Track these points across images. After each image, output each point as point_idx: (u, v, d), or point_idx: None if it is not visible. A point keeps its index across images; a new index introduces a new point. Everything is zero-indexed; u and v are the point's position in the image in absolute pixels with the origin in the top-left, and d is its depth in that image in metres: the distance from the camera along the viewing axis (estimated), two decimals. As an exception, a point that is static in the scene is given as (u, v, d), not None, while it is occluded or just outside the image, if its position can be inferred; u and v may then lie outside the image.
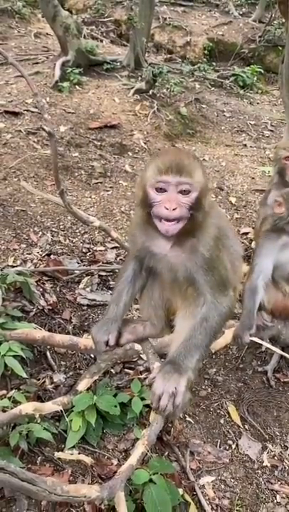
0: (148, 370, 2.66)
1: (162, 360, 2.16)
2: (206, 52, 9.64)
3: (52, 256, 3.50)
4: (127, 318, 2.18)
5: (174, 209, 1.65)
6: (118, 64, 7.25)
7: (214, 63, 9.00)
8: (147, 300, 2.11)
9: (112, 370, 2.82)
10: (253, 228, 4.01)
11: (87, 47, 7.21)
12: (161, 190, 1.69)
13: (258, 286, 2.58)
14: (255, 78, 8.23)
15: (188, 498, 2.30)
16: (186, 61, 8.79)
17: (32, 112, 5.36)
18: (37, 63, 7.00)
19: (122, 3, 10.31)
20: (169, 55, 9.52)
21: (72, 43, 6.86)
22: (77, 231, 3.86)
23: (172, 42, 10.11)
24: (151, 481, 2.17)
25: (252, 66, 8.41)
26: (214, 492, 2.37)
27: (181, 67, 7.74)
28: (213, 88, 7.64)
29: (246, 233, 4.11)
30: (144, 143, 5.52)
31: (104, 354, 2.26)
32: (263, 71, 8.48)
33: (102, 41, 9.50)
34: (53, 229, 3.80)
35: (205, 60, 9.20)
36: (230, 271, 1.91)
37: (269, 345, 2.62)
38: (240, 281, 2.25)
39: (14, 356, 2.48)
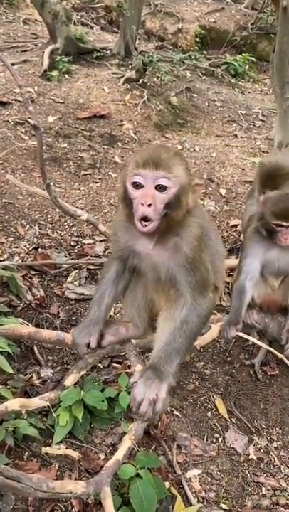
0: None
1: (148, 356, 2.16)
2: (197, 39, 9.52)
3: (39, 249, 3.47)
4: (109, 319, 2.17)
5: (148, 205, 1.61)
6: (108, 52, 7.14)
7: (206, 51, 8.90)
8: (130, 301, 2.10)
9: (99, 365, 2.83)
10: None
11: (76, 34, 7.08)
12: (138, 186, 1.66)
13: (245, 287, 2.59)
14: (247, 67, 8.15)
15: (174, 491, 2.32)
16: (177, 49, 8.68)
17: (20, 101, 5.27)
18: (25, 51, 6.88)
19: (112, -11, 10.12)
20: (160, 43, 9.39)
21: (61, 30, 6.73)
22: (65, 224, 3.83)
23: (163, 29, 9.96)
24: (137, 475, 2.19)
25: (244, 54, 8.33)
26: (200, 485, 2.39)
27: (172, 55, 7.63)
28: (204, 77, 7.56)
29: (236, 225, 4.10)
30: (134, 133, 5.46)
31: (86, 356, 2.26)
32: (254, 59, 8.38)
33: (92, 28, 9.34)
34: (41, 222, 3.77)
35: (197, 47, 9.09)
36: (211, 271, 1.89)
37: (255, 340, 2.63)
38: (223, 281, 2.24)
39: (1, 352, 2.47)
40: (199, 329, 1.90)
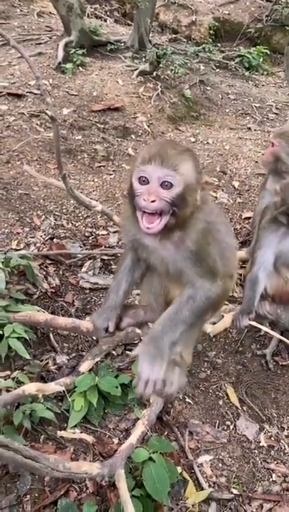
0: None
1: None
2: (211, 32, 9.47)
3: (55, 240, 3.53)
4: (127, 304, 2.21)
5: (152, 201, 1.58)
6: (122, 45, 7.14)
7: (220, 44, 8.84)
8: (147, 287, 2.14)
9: (113, 352, 2.88)
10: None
11: (90, 27, 7.09)
12: (143, 181, 1.62)
13: (258, 277, 2.63)
14: (261, 59, 8.08)
15: (186, 475, 2.38)
16: (191, 41, 8.64)
17: (35, 94, 5.32)
18: (40, 44, 6.91)
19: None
20: (174, 35, 9.35)
21: (76, 22, 6.75)
22: (79, 215, 3.88)
23: (177, 21, 9.92)
24: (150, 459, 2.25)
25: (258, 47, 8.26)
26: (212, 470, 2.44)
27: (185, 47, 7.61)
28: (218, 70, 7.53)
29: (248, 218, 4.11)
30: (148, 126, 5.48)
31: (103, 340, 2.31)
32: (269, 52, 8.31)
33: (106, 20, 9.34)
34: (56, 213, 3.83)
35: (210, 40, 9.04)
36: (220, 262, 1.86)
37: (268, 330, 2.67)
38: (236, 271, 2.25)
39: (18, 338, 2.54)
40: (206, 309, 1.89)
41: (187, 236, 1.74)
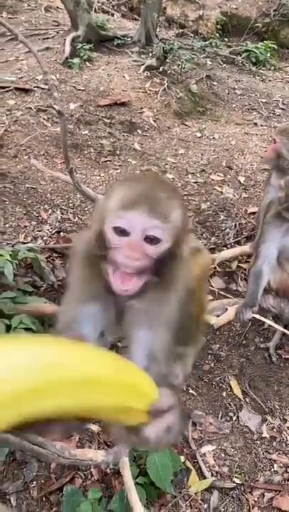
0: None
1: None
2: (218, 26, 9.43)
3: (61, 233, 3.58)
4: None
5: (135, 259, 1.17)
6: (129, 39, 7.15)
7: (227, 39, 8.81)
8: None
9: (118, 344, 2.92)
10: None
11: (97, 22, 7.11)
12: (122, 232, 1.18)
13: (262, 271, 2.67)
14: (268, 54, 8.06)
15: (189, 465, 2.43)
16: (198, 36, 8.64)
17: (42, 88, 5.36)
18: (47, 38, 6.94)
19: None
20: (181, 30, 9.34)
21: (83, 17, 6.77)
22: (86, 209, 3.92)
23: (184, 16, 9.89)
24: (154, 448, 2.29)
25: (265, 42, 8.23)
26: (214, 460, 2.49)
27: (192, 42, 7.61)
28: (224, 65, 7.52)
29: (254, 213, 4.13)
30: (154, 121, 5.51)
31: None
32: (276, 47, 8.28)
33: (113, 15, 9.34)
34: (63, 207, 3.87)
35: (217, 35, 9.01)
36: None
37: (271, 323, 2.71)
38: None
39: (25, 329, 2.59)
40: None
41: (165, 296, 1.34)
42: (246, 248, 3.53)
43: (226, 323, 2.78)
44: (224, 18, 9.59)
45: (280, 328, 2.72)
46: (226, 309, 2.69)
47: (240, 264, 3.60)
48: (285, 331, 2.70)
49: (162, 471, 2.26)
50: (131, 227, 1.18)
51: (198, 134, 5.56)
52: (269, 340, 3.07)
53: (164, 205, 1.21)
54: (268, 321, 2.70)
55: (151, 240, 1.19)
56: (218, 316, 2.65)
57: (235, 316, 2.67)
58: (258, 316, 2.69)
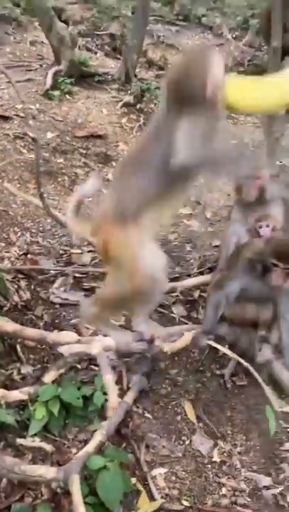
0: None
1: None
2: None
3: (29, 255, 3.65)
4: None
5: None
6: (109, 77, 7.49)
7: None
8: None
9: (78, 366, 2.97)
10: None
11: (80, 58, 7.43)
12: None
13: (220, 301, 2.81)
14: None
15: (140, 486, 2.46)
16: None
17: (21, 117, 5.53)
18: (30, 70, 7.20)
19: (118, 18, 10.59)
20: (160, 72, 9.81)
21: (66, 53, 7.07)
22: (55, 234, 4.02)
23: (164, 59, 10.38)
24: (105, 467, 2.32)
25: (239, 88, 8.71)
26: (165, 483, 2.52)
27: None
28: (199, 106, 7.91)
29: (217, 246, 4.31)
30: (128, 154, 5.73)
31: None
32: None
33: (96, 53, 9.73)
34: (33, 230, 3.96)
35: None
36: None
37: (226, 350, 2.82)
38: None
39: (-15, 346, 2.63)
40: None
41: None
42: (208, 278, 3.67)
43: (183, 349, 2.88)
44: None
45: (235, 356, 2.82)
46: (183, 334, 2.79)
47: (202, 294, 3.72)
48: (240, 359, 2.81)
49: (112, 491, 2.27)
50: None
51: (170, 169, 5.78)
52: (224, 368, 3.16)
53: None
54: (223, 349, 2.81)
55: None
56: (174, 341, 2.75)
57: (192, 342, 2.78)
58: (213, 344, 2.81)
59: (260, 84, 2.29)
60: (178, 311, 3.50)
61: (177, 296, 3.58)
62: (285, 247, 2.60)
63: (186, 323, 3.30)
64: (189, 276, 3.91)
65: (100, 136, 5.72)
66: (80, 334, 2.99)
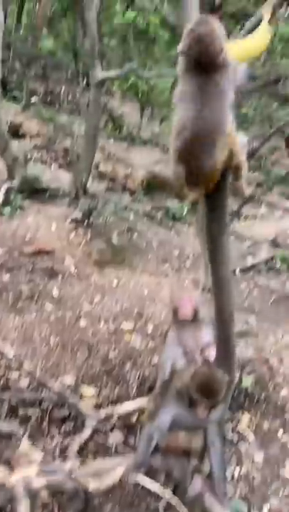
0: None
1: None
2: (143, 184, 10.79)
3: None
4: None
5: None
6: (60, 192, 7.99)
7: (150, 194, 10.05)
8: None
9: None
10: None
11: (33, 174, 7.95)
12: None
13: (153, 435, 2.88)
14: (185, 211, 9.23)
15: None
16: (125, 190, 9.78)
17: None
18: (-17, 186, 7.57)
19: (70, 135, 11.53)
20: (111, 183, 10.58)
21: (19, 171, 7.59)
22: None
23: (115, 172, 11.25)
24: None
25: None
26: None
27: (120, 198, 8.61)
28: (146, 218, 8.48)
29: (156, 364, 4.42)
30: (75, 268, 5.97)
31: None
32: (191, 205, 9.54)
33: (50, 165, 10.43)
34: None
35: (142, 191, 10.27)
36: None
37: (155, 488, 2.83)
38: None
39: None
40: None
41: None
42: (144, 401, 3.73)
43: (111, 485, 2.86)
44: (149, 178, 11.02)
45: (165, 494, 2.82)
46: (114, 469, 2.79)
47: (140, 418, 3.75)
48: (167, 493, 2.81)
49: None
50: None
51: (115, 282, 6.04)
52: (159, 500, 3.12)
53: None
54: (153, 486, 2.82)
55: None
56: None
57: (122, 477, 2.78)
58: (144, 482, 2.81)
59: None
60: (114, 439, 3.49)
61: (114, 423, 3.59)
62: (207, 384, 2.74)
63: (121, 453, 3.30)
64: (129, 397, 3.96)
65: (47, 252, 5.97)
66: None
